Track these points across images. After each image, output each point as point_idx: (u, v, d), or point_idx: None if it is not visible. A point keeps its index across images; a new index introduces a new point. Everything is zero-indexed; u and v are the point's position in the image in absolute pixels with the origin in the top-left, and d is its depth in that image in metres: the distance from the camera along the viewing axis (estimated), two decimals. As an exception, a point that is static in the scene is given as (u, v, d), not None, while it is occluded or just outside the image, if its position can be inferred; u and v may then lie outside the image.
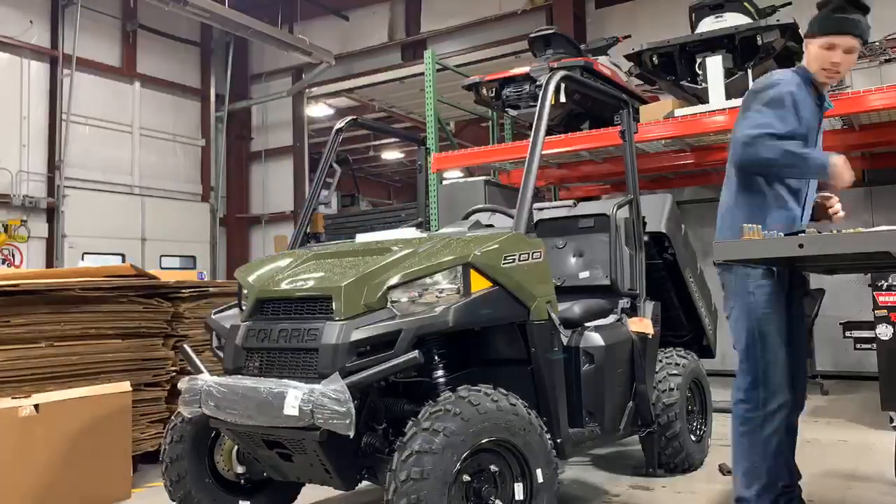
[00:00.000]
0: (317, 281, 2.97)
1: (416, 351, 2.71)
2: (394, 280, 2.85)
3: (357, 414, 2.58)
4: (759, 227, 2.62)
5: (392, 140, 17.60)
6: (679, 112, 6.84)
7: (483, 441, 2.68)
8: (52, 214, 12.60)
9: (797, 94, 3.02)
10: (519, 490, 2.79)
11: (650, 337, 3.94)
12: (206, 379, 2.99)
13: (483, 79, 7.52)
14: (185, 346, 3.50)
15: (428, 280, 2.88)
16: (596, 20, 11.19)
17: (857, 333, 6.14)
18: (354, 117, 4.37)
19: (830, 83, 3.16)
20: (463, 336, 3.11)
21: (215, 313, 3.42)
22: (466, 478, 2.68)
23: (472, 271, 2.91)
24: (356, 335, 2.72)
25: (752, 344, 3.03)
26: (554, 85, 3.54)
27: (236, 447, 3.33)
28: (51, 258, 12.55)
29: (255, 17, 12.85)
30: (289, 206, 15.07)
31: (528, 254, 3.11)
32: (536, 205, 4.47)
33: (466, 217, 4.18)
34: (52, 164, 12.64)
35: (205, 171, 15.31)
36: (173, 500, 3.35)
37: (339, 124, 4.26)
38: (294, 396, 2.63)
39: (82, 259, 12.25)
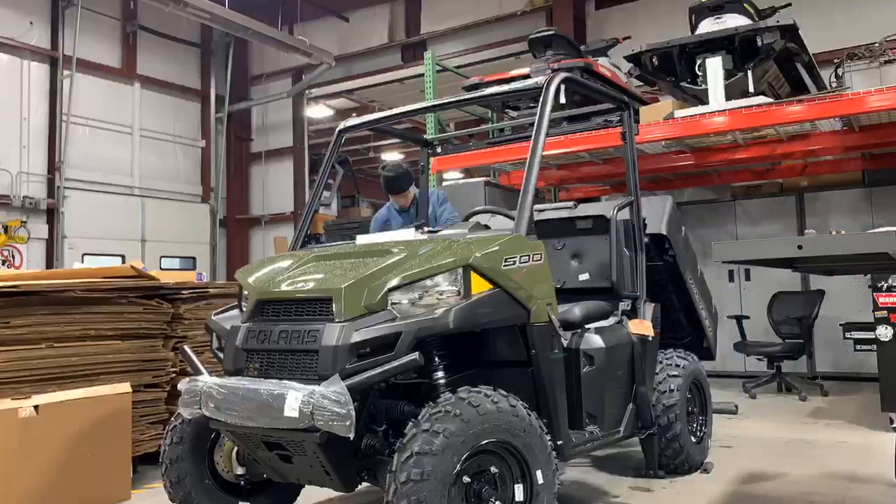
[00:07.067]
0: (317, 282, 2.97)
1: (417, 353, 2.71)
2: (394, 282, 2.84)
3: (357, 415, 2.58)
4: None
5: (392, 141, 17.58)
6: (679, 113, 6.84)
7: (483, 442, 2.67)
8: (52, 215, 12.59)
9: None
10: (519, 491, 2.79)
11: (650, 338, 3.94)
12: (206, 380, 2.98)
13: (483, 80, 7.53)
14: (185, 347, 3.49)
15: (428, 282, 2.88)
16: (596, 21, 11.20)
17: (857, 334, 6.11)
18: (358, 118, 4.35)
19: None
20: (463, 338, 3.11)
21: (216, 314, 3.41)
22: (466, 479, 2.68)
23: (472, 273, 2.91)
24: (356, 337, 2.72)
25: None
26: (555, 87, 3.54)
27: (236, 448, 3.33)
28: (51, 259, 12.54)
29: (255, 18, 12.85)
30: (289, 207, 15.06)
31: (529, 256, 3.11)
32: (536, 206, 4.46)
33: (466, 218, 4.17)
34: (52, 165, 12.63)
35: (205, 173, 15.30)
36: (173, 502, 3.35)
37: (342, 125, 4.26)
38: (294, 398, 2.62)
39: (82, 260, 12.24)
